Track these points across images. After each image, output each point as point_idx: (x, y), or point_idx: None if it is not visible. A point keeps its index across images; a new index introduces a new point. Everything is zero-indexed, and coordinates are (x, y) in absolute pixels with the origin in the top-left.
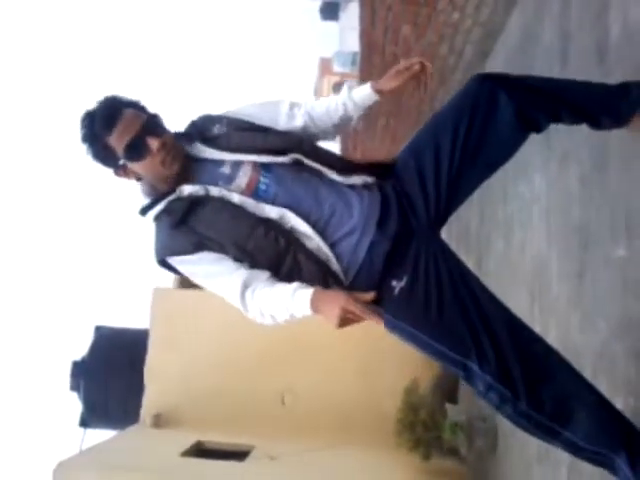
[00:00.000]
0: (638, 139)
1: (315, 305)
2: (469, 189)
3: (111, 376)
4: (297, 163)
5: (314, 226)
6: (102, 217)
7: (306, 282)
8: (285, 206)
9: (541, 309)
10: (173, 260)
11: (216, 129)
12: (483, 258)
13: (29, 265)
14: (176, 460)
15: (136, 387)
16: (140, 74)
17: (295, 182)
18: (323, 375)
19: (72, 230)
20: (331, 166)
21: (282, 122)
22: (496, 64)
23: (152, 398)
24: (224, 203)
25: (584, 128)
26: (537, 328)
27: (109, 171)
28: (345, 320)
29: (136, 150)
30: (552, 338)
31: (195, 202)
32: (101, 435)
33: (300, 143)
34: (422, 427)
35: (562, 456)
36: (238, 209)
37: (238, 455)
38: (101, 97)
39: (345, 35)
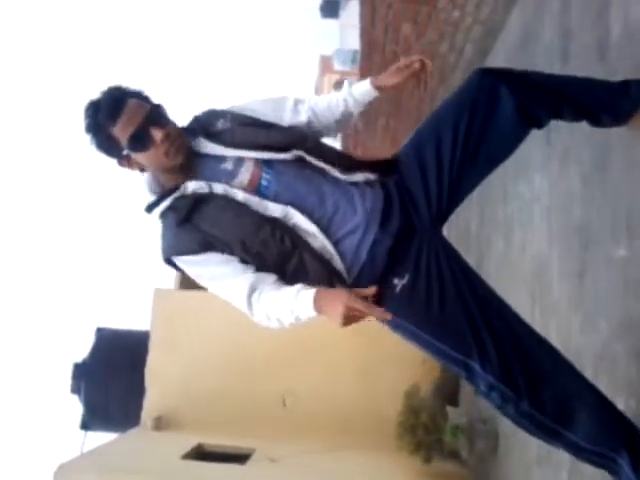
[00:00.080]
0: (638, 137)
1: (318, 305)
2: (470, 185)
3: (112, 378)
4: (300, 160)
5: (317, 223)
6: (103, 218)
7: (312, 282)
8: (288, 203)
9: (541, 309)
10: (179, 260)
11: (220, 124)
12: (483, 258)
13: (30, 267)
14: (177, 463)
15: (137, 389)
16: (140, 73)
17: (297, 179)
18: (324, 378)
19: (72, 231)
20: (334, 163)
21: (287, 118)
22: (496, 62)
23: (153, 400)
24: (228, 201)
25: (585, 127)
26: (537, 328)
27: (112, 162)
28: (349, 318)
29: (140, 141)
30: (553, 338)
31: (199, 200)
32: (102, 438)
33: (303, 140)
34: (423, 430)
35: (563, 458)
36: (242, 207)
37: (239, 458)
38: (105, 87)
39: (345, 33)
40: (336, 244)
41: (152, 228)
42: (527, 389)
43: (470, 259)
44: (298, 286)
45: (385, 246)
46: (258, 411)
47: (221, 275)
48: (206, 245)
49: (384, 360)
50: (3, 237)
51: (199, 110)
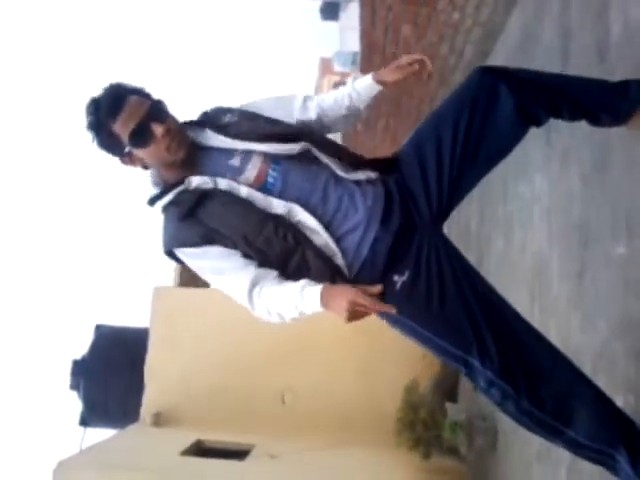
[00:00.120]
0: (638, 137)
1: (325, 301)
2: (470, 183)
3: (111, 375)
4: (306, 155)
5: (320, 221)
6: (102, 216)
7: (314, 278)
8: (293, 200)
9: (541, 308)
10: (180, 252)
11: (227, 118)
12: (483, 256)
13: (29, 264)
14: (176, 459)
15: (136, 386)
16: (140, 73)
17: (303, 176)
18: (323, 374)
19: (72, 228)
20: (339, 158)
21: (296, 115)
22: (496, 64)
23: (152, 397)
24: (232, 197)
25: (585, 127)
26: (537, 326)
27: (114, 161)
28: (354, 313)
29: (141, 136)
30: (552, 337)
31: (203, 195)
32: (101, 434)
33: (311, 133)
34: (422, 426)
35: (562, 455)
36: (246, 203)
37: (238, 454)
38: (106, 84)
39: (345, 35)
40: (338, 241)
41: (152, 225)
42: (526, 386)
43: (470, 257)
44: (303, 282)
45: (386, 243)
46: (257, 408)
47: (223, 269)
48: (208, 239)
49: (384, 356)
50: (3, 235)
51: (199, 110)
